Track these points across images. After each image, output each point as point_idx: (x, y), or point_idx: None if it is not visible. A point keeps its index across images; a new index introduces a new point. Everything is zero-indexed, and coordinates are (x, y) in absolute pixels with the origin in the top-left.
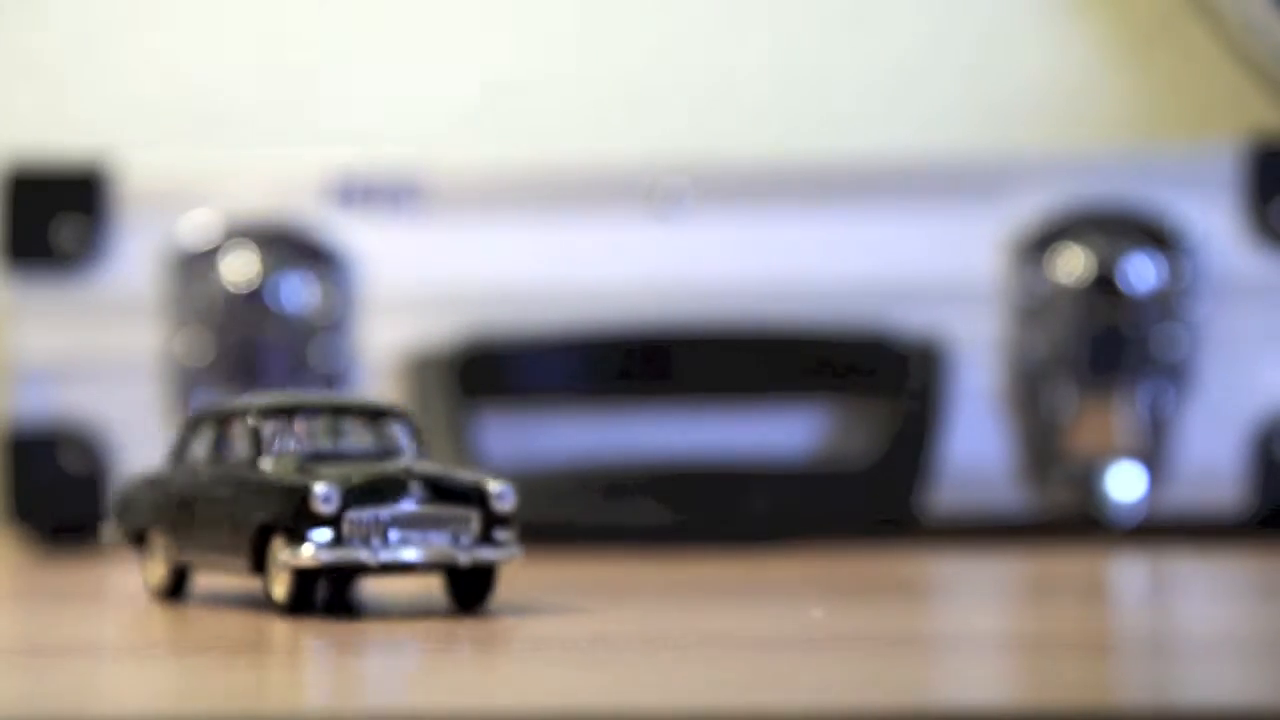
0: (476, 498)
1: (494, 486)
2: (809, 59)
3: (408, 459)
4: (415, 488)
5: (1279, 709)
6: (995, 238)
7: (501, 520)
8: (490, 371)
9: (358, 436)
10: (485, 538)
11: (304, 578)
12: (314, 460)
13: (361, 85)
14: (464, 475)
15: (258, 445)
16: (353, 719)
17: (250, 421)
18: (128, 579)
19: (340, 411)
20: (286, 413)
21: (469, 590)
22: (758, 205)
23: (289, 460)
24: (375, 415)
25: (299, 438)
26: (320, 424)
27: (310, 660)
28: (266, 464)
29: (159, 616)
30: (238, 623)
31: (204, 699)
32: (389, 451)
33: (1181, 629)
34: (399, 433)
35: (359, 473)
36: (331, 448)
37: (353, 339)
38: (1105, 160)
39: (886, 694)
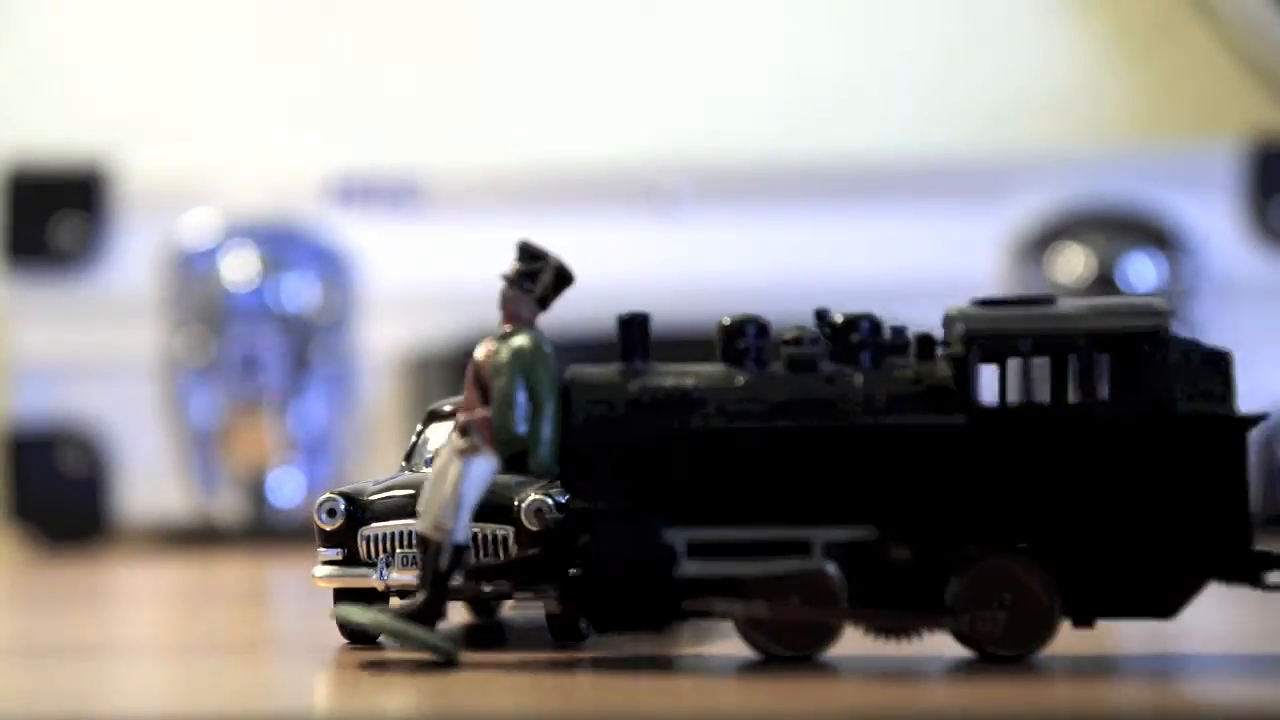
0: (507, 514)
1: (530, 500)
2: (810, 60)
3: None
4: None
5: (1279, 709)
6: (995, 238)
7: (539, 539)
8: None
9: None
10: None
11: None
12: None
13: (362, 85)
14: (515, 488)
15: (412, 447)
16: (353, 719)
17: (419, 424)
18: (128, 579)
19: None
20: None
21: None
22: (758, 205)
23: (418, 465)
24: None
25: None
26: None
27: (309, 660)
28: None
29: (159, 616)
30: (238, 623)
31: (205, 699)
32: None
33: (1182, 629)
34: None
35: (395, 484)
36: None
37: (353, 339)
38: (1105, 160)
39: (884, 694)
